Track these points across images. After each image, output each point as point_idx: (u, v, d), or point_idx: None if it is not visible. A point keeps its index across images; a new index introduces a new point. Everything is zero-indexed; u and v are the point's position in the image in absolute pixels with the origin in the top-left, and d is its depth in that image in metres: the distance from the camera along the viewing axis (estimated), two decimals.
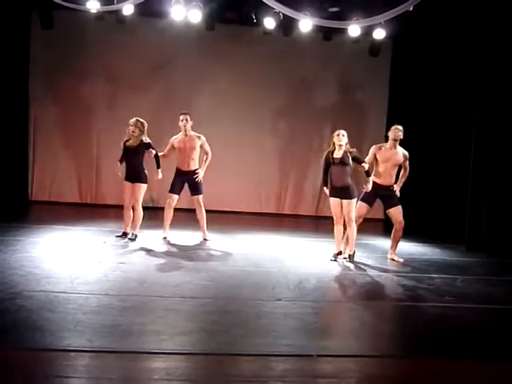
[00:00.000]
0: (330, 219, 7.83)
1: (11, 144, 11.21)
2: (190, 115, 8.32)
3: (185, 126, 8.22)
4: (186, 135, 8.25)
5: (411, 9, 8.09)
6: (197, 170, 8.29)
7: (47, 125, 11.77)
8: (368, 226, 8.22)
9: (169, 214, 8.29)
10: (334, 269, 7.09)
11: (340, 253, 7.48)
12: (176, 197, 8.28)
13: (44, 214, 10.84)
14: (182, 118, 8.24)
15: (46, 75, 11.54)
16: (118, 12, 10.10)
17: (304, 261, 7.46)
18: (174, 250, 7.73)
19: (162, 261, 6.94)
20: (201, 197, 8.32)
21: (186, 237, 8.56)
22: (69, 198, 11.89)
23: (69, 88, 11.61)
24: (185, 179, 8.28)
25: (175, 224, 8.45)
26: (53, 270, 6.03)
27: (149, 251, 7.45)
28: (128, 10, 9.61)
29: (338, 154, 7.25)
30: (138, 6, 9.46)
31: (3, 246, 6.98)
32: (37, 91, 11.63)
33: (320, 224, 10.05)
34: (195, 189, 8.29)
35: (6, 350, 3.83)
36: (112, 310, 4.81)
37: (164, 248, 7.78)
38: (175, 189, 8.29)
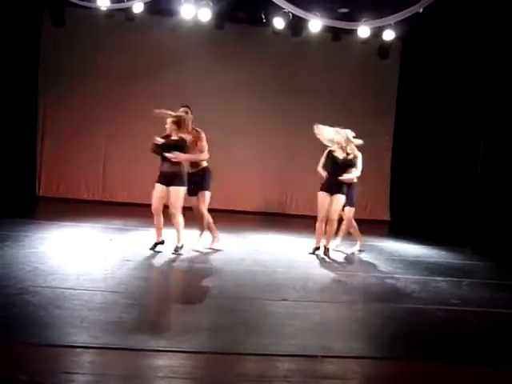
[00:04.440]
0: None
1: (20, 140, 11.29)
2: None
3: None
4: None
5: (421, 10, 8.10)
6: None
7: (56, 121, 11.82)
8: (373, 227, 8.21)
9: None
10: (340, 270, 7.10)
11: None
12: None
13: (51, 210, 10.88)
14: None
15: (56, 72, 11.59)
16: (127, 10, 10.15)
17: (310, 261, 7.46)
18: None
19: (168, 259, 6.96)
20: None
21: (193, 236, 8.57)
22: (76, 194, 11.93)
23: (78, 85, 11.65)
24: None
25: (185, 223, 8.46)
26: (59, 266, 6.05)
27: (155, 249, 7.47)
28: (138, 8, 9.66)
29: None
30: (147, 4, 9.51)
31: (11, 242, 7.02)
32: (46, 88, 11.69)
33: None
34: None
35: (12, 345, 3.85)
36: (117, 307, 4.83)
37: (170, 247, 7.79)
38: None
